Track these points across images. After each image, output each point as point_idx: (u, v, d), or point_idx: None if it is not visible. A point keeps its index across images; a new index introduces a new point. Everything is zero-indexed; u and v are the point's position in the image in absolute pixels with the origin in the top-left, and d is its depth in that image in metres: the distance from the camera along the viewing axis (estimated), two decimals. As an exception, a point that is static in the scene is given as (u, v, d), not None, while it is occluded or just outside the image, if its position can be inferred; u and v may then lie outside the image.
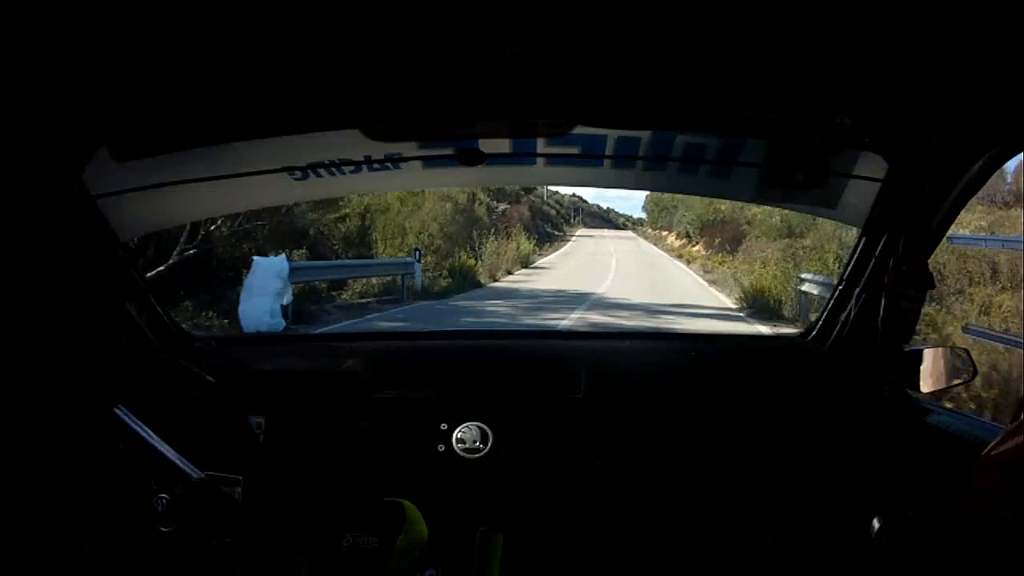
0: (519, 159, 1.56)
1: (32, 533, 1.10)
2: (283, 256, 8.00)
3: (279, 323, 7.12)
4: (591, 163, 1.56)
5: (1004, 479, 0.79)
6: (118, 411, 1.23)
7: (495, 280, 13.23)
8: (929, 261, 1.18)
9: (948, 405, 1.33)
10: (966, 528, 0.82)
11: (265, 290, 7.27)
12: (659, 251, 23.19)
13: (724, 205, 16.26)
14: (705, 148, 1.45)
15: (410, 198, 12.61)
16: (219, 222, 8.26)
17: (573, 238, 26.80)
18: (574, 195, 35.43)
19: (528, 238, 18.05)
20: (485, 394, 1.39)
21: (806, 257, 11.70)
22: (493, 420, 1.35)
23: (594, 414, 1.38)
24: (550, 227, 26.08)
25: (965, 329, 6.83)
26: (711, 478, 1.37)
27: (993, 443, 0.80)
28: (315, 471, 1.30)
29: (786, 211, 10.99)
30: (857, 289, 1.39)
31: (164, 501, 1.32)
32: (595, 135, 1.45)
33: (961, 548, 0.86)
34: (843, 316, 1.43)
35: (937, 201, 1.09)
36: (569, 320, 8.56)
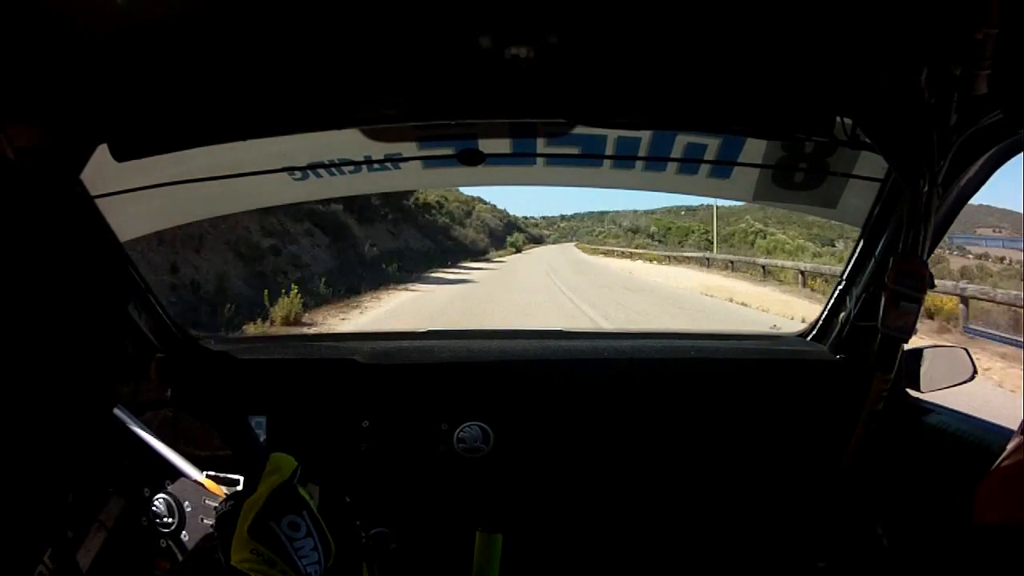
0: (519, 159, 1.55)
1: (32, 532, 1.09)
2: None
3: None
4: (591, 163, 1.56)
5: (1012, 490, 0.79)
6: (118, 411, 1.23)
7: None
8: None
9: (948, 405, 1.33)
10: (969, 536, 0.82)
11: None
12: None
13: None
14: (705, 148, 1.45)
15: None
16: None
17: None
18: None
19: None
20: (486, 394, 1.39)
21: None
22: (494, 420, 1.35)
23: (595, 413, 1.38)
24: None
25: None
26: (712, 478, 1.37)
27: (1002, 456, 0.80)
28: (315, 471, 1.30)
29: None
30: (857, 289, 1.39)
31: (163, 501, 1.32)
32: (595, 135, 1.45)
33: (962, 548, 0.86)
34: (843, 316, 1.43)
35: (937, 201, 1.10)
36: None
